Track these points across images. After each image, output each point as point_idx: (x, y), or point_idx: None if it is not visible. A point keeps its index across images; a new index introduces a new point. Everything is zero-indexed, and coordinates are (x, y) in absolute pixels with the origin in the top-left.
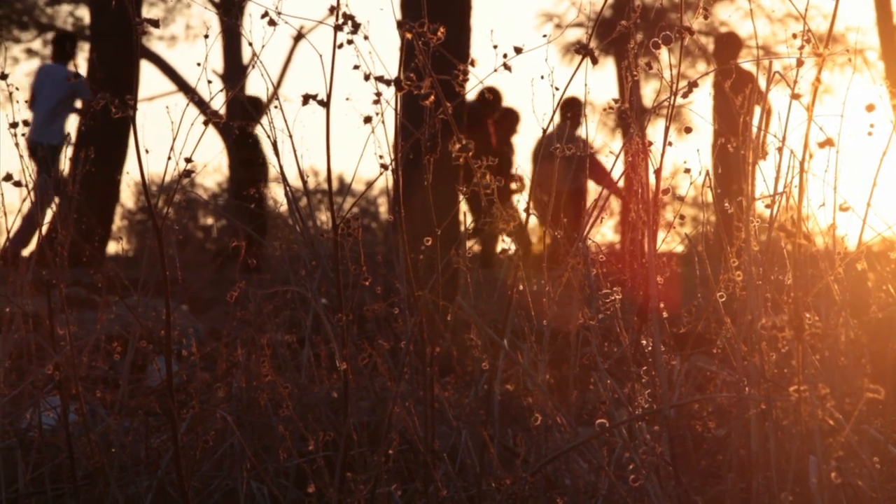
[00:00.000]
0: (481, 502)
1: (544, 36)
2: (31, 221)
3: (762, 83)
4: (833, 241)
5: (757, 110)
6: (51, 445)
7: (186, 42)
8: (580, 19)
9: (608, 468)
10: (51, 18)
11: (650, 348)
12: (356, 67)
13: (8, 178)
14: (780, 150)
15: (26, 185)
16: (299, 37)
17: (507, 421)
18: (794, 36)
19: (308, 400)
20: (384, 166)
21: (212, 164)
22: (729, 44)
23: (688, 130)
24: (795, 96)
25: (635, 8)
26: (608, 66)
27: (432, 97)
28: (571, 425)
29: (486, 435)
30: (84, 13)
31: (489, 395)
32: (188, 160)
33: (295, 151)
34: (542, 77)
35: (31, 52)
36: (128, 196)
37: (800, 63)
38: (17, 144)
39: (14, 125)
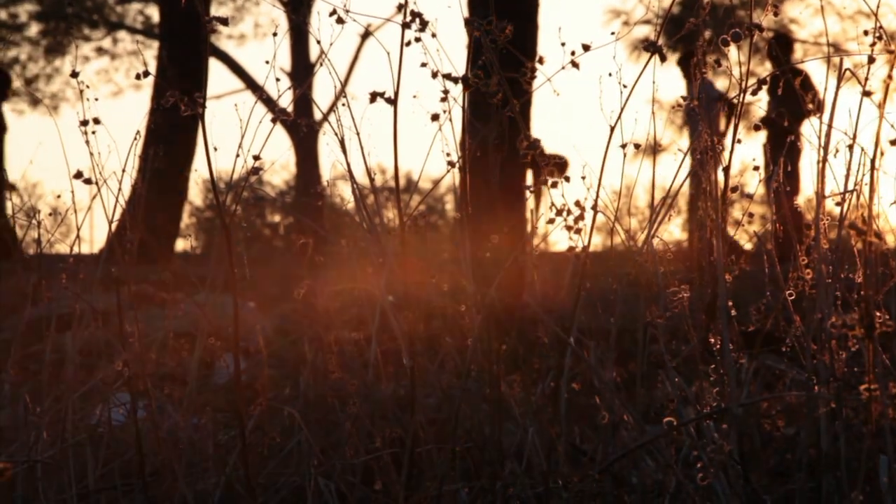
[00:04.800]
0: (548, 500)
1: (612, 33)
2: None
3: (832, 81)
4: None
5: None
6: (120, 441)
7: (255, 40)
8: (648, 16)
9: (676, 466)
10: (120, 17)
11: (718, 346)
12: (424, 65)
13: (78, 175)
14: (850, 147)
15: (96, 183)
16: (367, 34)
17: (575, 419)
18: (866, 33)
19: (375, 397)
20: (451, 164)
21: (279, 162)
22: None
23: (757, 128)
24: (867, 94)
25: (704, 5)
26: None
27: (500, 95)
28: (639, 423)
29: (553, 433)
30: (153, 12)
31: (556, 393)
32: (256, 158)
33: (362, 149)
34: (610, 74)
35: (101, 51)
36: (196, 193)
37: (871, 60)
38: (87, 142)
39: (84, 123)
